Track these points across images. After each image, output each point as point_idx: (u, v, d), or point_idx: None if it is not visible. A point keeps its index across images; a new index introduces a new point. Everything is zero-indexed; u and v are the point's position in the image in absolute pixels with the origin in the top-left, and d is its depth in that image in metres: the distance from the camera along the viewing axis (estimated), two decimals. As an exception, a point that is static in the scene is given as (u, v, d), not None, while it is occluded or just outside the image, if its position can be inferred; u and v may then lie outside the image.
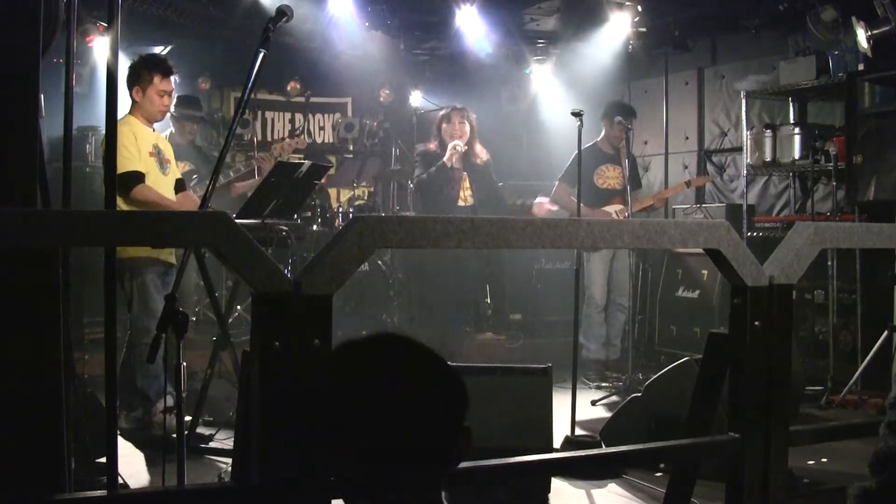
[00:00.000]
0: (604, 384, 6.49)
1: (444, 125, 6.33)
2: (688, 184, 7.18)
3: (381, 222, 1.90)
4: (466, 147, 6.26)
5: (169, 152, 5.11)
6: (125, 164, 4.65)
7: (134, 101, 4.94)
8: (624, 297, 6.78)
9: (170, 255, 4.96)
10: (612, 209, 6.75)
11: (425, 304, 6.80)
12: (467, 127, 6.27)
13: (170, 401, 4.19)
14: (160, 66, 4.96)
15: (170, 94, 5.03)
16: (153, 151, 4.92)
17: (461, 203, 6.37)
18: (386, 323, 7.73)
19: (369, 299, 7.72)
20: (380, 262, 7.72)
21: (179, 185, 5.18)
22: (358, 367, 1.44)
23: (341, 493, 1.50)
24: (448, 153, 6.19)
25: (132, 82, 4.92)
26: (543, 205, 6.95)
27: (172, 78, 5.03)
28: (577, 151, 6.28)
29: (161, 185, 4.94)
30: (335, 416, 1.42)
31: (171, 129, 7.07)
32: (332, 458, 1.45)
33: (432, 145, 6.44)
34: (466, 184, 6.34)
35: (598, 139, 6.89)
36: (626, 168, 6.45)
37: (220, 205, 5.34)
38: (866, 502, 1.56)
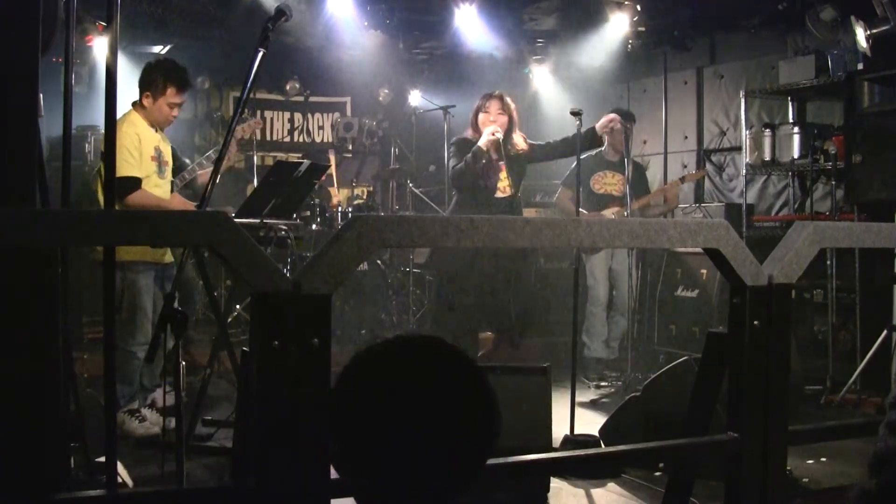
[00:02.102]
0: (603, 383, 6.49)
1: (480, 114, 5.81)
2: (682, 180, 7.14)
3: (381, 222, 1.90)
4: (503, 135, 5.71)
5: (168, 154, 5.05)
6: (124, 168, 4.55)
7: (141, 104, 4.84)
8: (626, 300, 6.79)
9: (164, 256, 4.92)
10: (609, 213, 6.76)
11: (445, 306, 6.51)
12: (506, 117, 5.75)
13: (170, 399, 4.20)
14: (178, 79, 4.83)
15: (179, 107, 4.92)
16: (154, 155, 4.86)
17: (499, 195, 5.79)
18: (385, 323, 7.74)
19: (369, 299, 7.73)
20: (379, 261, 7.72)
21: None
22: (397, 370, 1.42)
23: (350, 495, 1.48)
24: (484, 139, 5.63)
25: (144, 86, 4.81)
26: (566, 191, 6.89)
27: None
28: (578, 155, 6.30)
29: (159, 187, 4.90)
30: (360, 419, 1.40)
31: None
32: (347, 456, 1.43)
33: (469, 134, 5.88)
34: (504, 174, 5.80)
35: (603, 147, 6.89)
36: (628, 173, 6.44)
37: (187, 195, 5.21)
38: (866, 503, 1.56)
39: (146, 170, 4.80)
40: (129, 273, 4.71)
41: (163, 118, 4.88)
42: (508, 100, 5.87)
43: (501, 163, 5.79)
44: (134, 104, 4.89)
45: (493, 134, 5.63)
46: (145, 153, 4.79)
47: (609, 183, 6.85)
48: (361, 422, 1.40)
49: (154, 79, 4.80)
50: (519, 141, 5.88)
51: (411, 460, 1.37)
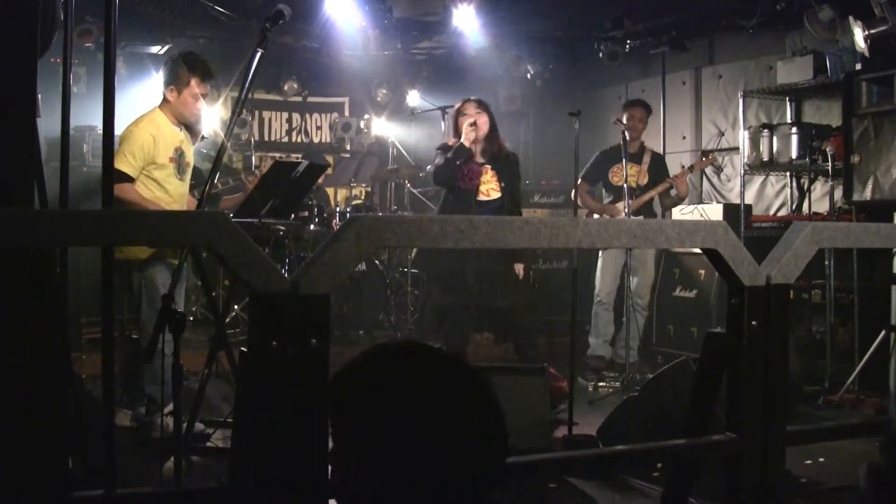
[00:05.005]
0: (601, 384, 6.49)
1: (459, 118, 5.84)
2: (690, 169, 7.05)
3: (379, 222, 1.90)
4: (488, 132, 5.76)
5: (189, 155, 4.94)
6: (121, 161, 4.47)
7: (165, 99, 4.76)
8: (642, 298, 6.77)
9: (175, 256, 4.88)
10: (621, 205, 6.75)
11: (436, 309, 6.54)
12: (485, 117, 5.76)
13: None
14: (200, 69, 4.74)
15: (205, 99, 4.83)
16: (174, 156, 4.76)
17: (482, 197, 5.77)
18: (384, 323, 7.73)
19: (367, 299, 7.72)
20: (377, 261, 7.72)
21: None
22: (420, 378, 1.41)
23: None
24: (464, 133, 5.67)
25: (168, 80, 4.74)
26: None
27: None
28: (598, 152, 6.71)
29: (175, 188, 4.80)
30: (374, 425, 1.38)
31: None
32: (352, 463, 1.41)
33: (451, 140, 5.92)
34: (488, 177, 5.78)
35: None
36: (644, 164, 6.54)
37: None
38: (877, 480, 1.54)
39: (163, 171, 4.72)
40: (145, 271, 4.66)
41: (188, 112, 4.78)
42: (485, 103, 5.89)
43: (486, 166, 5.78)
44: (161, 103, 4.80)
45: (470, 125, 5.64)
46: (163, 153, 4.70)
47: (628, 174, 6.82)
48: (360, 426, 1.38)
49: (177, 71, 4.73)
50: (503, 144, 5.90)
51: (417, 471, 1.36)
